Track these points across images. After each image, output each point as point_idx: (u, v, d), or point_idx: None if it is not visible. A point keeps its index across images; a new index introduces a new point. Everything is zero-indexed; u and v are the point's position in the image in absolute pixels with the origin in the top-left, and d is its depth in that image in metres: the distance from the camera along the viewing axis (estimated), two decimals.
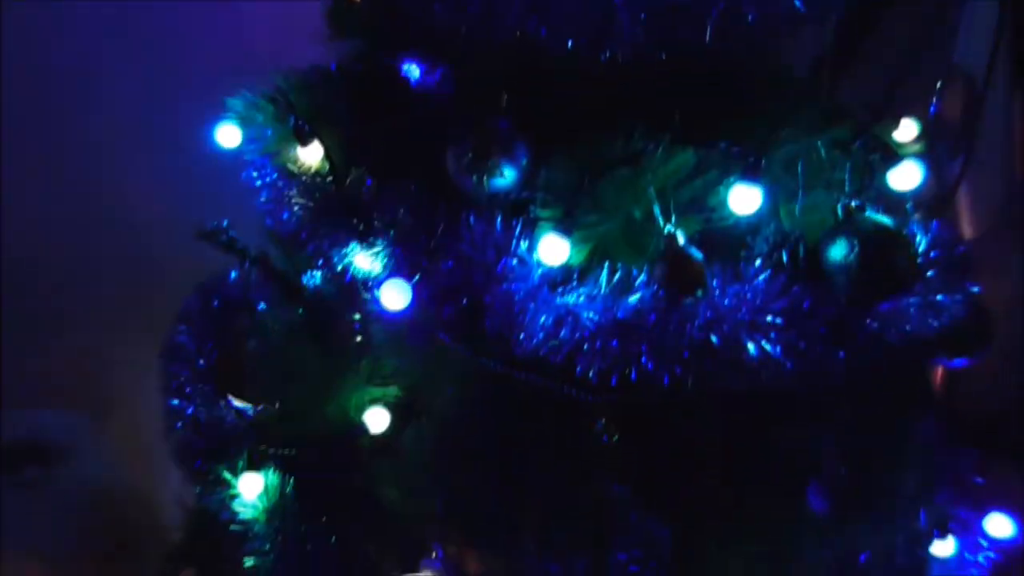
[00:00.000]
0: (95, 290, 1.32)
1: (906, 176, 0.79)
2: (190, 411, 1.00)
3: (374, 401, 0.87)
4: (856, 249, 0.72)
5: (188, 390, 1.02)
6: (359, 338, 0.88)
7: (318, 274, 0.97)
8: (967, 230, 1.41)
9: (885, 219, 0.74)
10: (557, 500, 0.77)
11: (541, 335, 0.74)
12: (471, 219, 0.75)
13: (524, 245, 0.74)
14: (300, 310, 0.98)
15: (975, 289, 0.84)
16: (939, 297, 0.80)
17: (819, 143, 0.75)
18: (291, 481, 0.91)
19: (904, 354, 0.83)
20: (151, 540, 1.17)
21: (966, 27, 1.34)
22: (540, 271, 0.74)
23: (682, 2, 0.70)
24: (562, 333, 0.73)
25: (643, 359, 0.72)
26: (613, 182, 0.72)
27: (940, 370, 1.21)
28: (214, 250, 1.04)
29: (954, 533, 0.91)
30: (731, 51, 0.73)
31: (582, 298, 0.74)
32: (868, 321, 0.74)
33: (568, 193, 0.73)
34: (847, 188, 0.76)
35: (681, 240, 0.71)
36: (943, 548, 0.91)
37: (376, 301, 0.74)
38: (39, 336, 1.28)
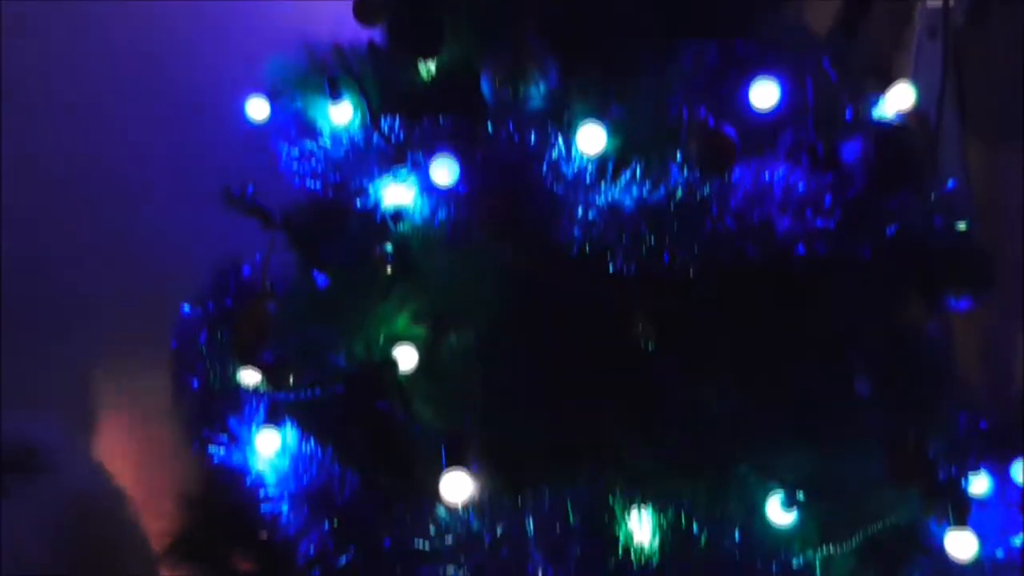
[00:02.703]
0: (86, 298, 1.29)
1: (900, 97, 0.87)
2: (203, 381, 0.98)
3: (402, 337, 0.87)
4: (871, 144, 0.78)
5: (202, 363, 1.00)
6: (390, 268, 0.88)
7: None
8: None
9: (892, 120, 0.80)
10: (600, 391, 0.76)
11: (580, 227, 0.76)
12: (510, 125, 0.79)
13: (561, 143, 0.78)
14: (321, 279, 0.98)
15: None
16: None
17: (822, 58, 0.83)
18: (311, 435, 0.88)
19: (911, 284, 0.87)
20: (139, 544, 1.09)
21: (917, 67, 1.49)
22: (577, 165, 0.78)
23: None
24: (600, 224, 0.76)
25: (681, 240, 0.74)
26: (643, 78, 0.78)
27: None
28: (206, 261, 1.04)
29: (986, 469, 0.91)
30: None
31: (618, 190, 0.77)
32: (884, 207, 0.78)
33: (601, 91, 0.78)
34: (850, 96, 0.82)
35: (711, 122, 0.75)
36: (979, 485, 0.91)
37: (424, 176, 0.75)
38: (28, 342, 1.23)
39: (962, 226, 0.86)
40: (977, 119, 1.56)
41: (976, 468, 0.90)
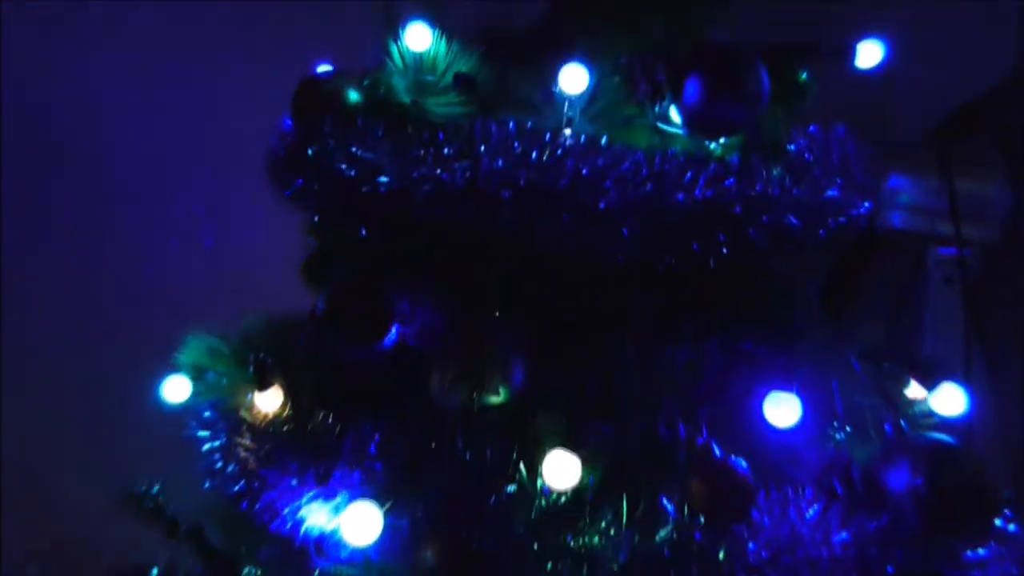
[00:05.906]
0: None
1: (949, 400, 0.70)
2: None
3: None
4: (923, 473, 0.61)
5: None
6: None
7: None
8: None
9: (946, 437, 0.64)
10: None
11: None
12: (459, 443, 0.63)
13: (523, 470, 0.61)
14: None
15: None
16: None
17: (851, 356, 0.67)
18: None
19: None
20: None
21: (934, 315, 1.37)
22: (543, 501, 0.60)
23: (673, 216, 0.66)
24: None
25: None
26: (628, 382, 0.62)
27: None
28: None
29: None
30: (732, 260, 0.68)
31: (598, 536, 0.59)
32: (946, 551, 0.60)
33: (575, 401, 0.62)
34: (896, 405, 0.66)
35: (717, 452, 0.58)
36: None
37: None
38: None
39: None
40: (1003, 365, 1.42)
41: None
